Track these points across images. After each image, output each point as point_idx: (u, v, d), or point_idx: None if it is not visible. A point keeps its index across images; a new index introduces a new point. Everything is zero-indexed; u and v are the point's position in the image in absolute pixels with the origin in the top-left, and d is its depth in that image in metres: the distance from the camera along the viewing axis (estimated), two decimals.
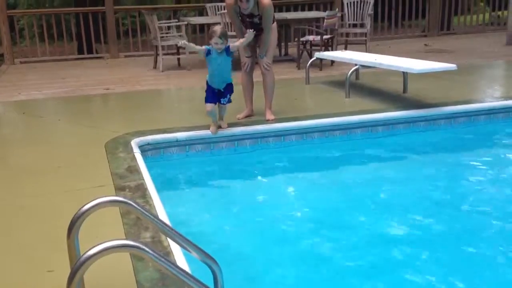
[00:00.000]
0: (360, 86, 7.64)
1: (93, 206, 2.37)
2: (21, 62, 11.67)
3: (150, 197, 3.73)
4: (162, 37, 9.63)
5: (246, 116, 5.90)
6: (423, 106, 6.19)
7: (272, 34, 5.63)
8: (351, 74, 6.97)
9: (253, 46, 5.74)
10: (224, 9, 8.55)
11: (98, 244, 1.98)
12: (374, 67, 7.04)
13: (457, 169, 5.10)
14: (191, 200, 4.51)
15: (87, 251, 1.97)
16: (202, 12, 12.72)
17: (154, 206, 3.57)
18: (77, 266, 1.97)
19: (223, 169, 5.24)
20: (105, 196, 2.43)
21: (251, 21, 5.53)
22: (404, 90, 7.02)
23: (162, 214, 3.43)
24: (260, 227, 3.92)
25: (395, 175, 5.01)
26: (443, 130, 6.01)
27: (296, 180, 5.00)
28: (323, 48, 9.41)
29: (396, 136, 5.84)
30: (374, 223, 3.94)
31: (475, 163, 5.20)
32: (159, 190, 3.92)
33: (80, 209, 2.37)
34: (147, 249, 2.01)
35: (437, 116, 6.04)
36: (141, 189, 3.89)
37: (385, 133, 5.86)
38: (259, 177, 5.07)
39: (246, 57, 5.81)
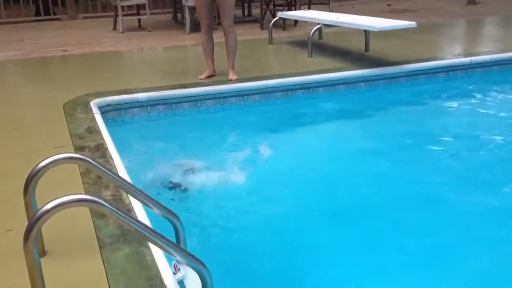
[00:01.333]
0: (323, 45, 7.64)
1: (49, 163, 2.33)
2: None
3: (111, 157, 3.68)
4: None
5: (208, 77, 5.87)
6: (384, 65, 6.25)
7: None
8: (313, 33, 6.96)
9: (211, 7, 5.66)
10: None
11: (54, 199, 1.95)
12: (336, 26, 7.04)
13: (416, 126, 5.20)
14: (152, 159, 4.47)
15: (43, 206, 1.94)
16: None
17: (114, 166, 3.53)
18: (33, 221, 1.94)
19: (184, 129, 5.20)
20: (62, 153, 2.39)
21: None
22: (366, 49, 7.06)
23: (123, 173, 3.40)
24: (220, 186, 3.93)
25: (354, 132, 5.08)
26: (403, 87, 6.09)
27: (255, 140, 5.01)
28: (286, 8, 9.34)
29: (357, 95, 5.89)
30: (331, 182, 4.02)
31: (432, 119, 5.32)
32: (119, 150, 3.87)
33: (36, 166, 2.33)
34: (103, 202, 1.99)
35: (398, 74, 6.11)
36: (101, 149, 3.84)
37: (347, 91, 5.90)
38: (221, 138, 5.05)
39: (205, 17, 5.70)
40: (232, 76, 5.75)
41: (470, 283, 2.82)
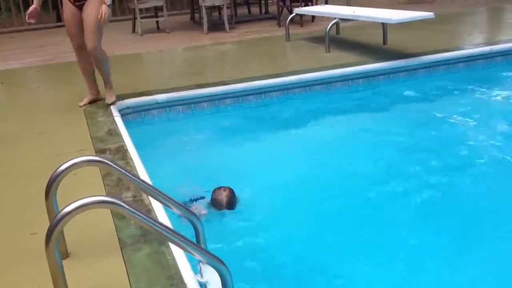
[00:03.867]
0: (340, 40, 7.60)
1: (69, 166, 2.38)
2: None
3: (131, 158, 3.74)
4: None
5: (91, 102, 5.14)
6: (403, 57, 6.19)
7: (94, 7, 4.60)
8: (330, 28, 6.93)
9: (79, 22, 4.71)
10: None
11: (75, 201, 1.99)
12: (353, 20, 7.00)
13: (437, 117, 5.14)
14: (172, 160, 4.52)
15: (63, 208, 1.98)
16: None
17: (135, 167, 3.58)
18: (54, 223, 1.99)
19: (204, 129, 5.22)
20: (81, 156, 2.44)
21: None
22: (384, 42, 7.00)
23: (143, 174, 3.44)
24: (243, 185, 3.95)
25: (376, 126, 5.05)
26: (423, 79, 6.03)
27: (274, 138, 5.03)
28: (302, 4, 9.31)
29: (377, 88, 5.85)
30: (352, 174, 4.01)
31: (453, 110, 5.25)
32: (140, 151, 3.92)
33: (56, 169, 2.38)
34: (123, 203, 2.02)
35: (417, 65, 6.05)
36: (122, 151, 3.90)
37: (366, 85, 5.87)
38: (243, 136, 5.08)
39: (75, 36, 4.80)
40: (110, 99, 5.02)
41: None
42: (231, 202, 3.44)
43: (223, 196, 3.44)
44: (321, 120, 5.39)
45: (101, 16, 4.51)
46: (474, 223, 3.26)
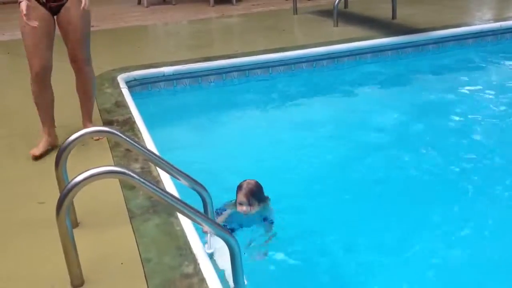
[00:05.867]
0: (349, 14, 7.52)
1: (79, 136, 2.38)
2: (4, 3, 11.33)
3: (139, 130, 3.74)
4: None
5: (47, 150, 3.49)
6: (412, 32, 6.13)
7: (78, 6, 3.32)
8: (338, 2, 6.84)
9: (50, 37, 3.41)
10: None
11: (84, 171, 2.00)
12: None
13: (444, 94, 5.12)
14: (179, 132, 4.52)
15: (73, 178, 1.99)
16: None
17: (143, 139, 3.58)
18: (65, 193, 2.00)
19: (211, 102, 5.21)
20: (90, 127, 2.44)
21: None
22: (393, 17, 6.92)
23: (151, 146, 3.45)
24: (245, 155, 3.97)
25: (384, 101, 5.04)
26: (431, 55, 5.98)
27: (276, 111, 5.03)
28: None
29: (385, 62, 5.81)
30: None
31: (460, 85, 5.23)
32: (147, 123, 3.92)
33: (65, 140, 2.38)
34: (132, 173, 2.03)
35: (425, 41, 6.00)
36: (129, 122, 3.90)
37: (374, 60, 5.83)
38: (247, 110, 5.07)
39: (40, 56, 3.38)
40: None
41: None
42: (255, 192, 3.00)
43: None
44: (327, 94, 5.37)
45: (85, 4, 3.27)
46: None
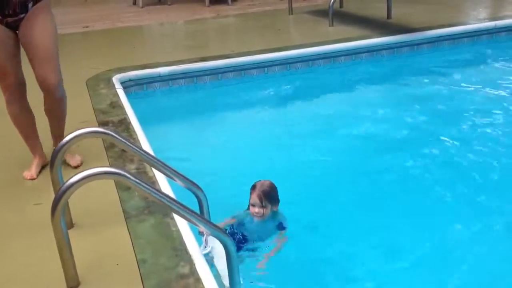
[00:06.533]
0: (344, 14, 7.52)
1: (73, 138, 2.37)
2: None
3: (134, 131, 3.74)
4: None
5: (41, 168, 3.28)
6: (407, 31, 6.14)
7: (44, 21, 3.01)
8: (333, 1, 6.84)
9: (12, 50, 3.01)
10: None
11: (79, 172, 2.00)
12: None
13: (440, 91, 5.13)
14: (175, 133, 4.52)
15: (68, 179, 1.99)
16: None
17: (138, 140, 3.58)
18: (60, 194, 2.00)
19: (206, 102, 5.20)
20: (85, 128, 2.43)
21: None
22: (388, 16, 6.93)
23: (146, 146, 3.44)
24: (241, 155, 3.96)
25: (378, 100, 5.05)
26: (426, 54, 5.99)
27: (271, 111, 5.04)
28: None
29: (380, 62, 5.82)
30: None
31: (456, 84, 5.24)
32: (142, 124, 3.91)
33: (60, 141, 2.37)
34: (127, 174, 2.03)
35: (421, 40, 6.01)
36: (125, 123, 3.90)
37: (369, 59, 5.83)
38: (242, 110, 5.08)
39: (11, 72, 3.04)
40: (74, 161, 3.29)
41: None
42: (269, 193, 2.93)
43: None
44: (323, 94, 5.37)
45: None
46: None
